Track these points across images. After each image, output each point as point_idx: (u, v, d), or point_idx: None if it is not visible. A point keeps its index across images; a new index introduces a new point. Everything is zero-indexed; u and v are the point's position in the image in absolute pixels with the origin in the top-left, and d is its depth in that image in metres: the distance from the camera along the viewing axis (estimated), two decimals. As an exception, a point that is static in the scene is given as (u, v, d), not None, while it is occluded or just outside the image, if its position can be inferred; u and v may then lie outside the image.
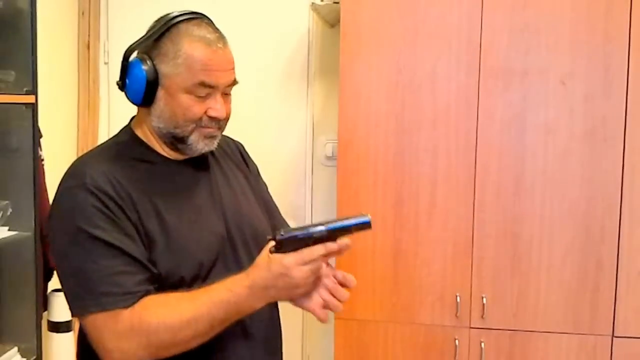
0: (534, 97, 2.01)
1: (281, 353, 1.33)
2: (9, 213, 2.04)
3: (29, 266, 2.09)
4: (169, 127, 1.15)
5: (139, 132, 1.21)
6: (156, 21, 1.19)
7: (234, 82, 1.20)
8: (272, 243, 1.07)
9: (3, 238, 2.01)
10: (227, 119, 1.21)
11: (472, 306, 2.06)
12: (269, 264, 1.05)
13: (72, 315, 1.13)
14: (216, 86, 1.15)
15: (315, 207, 2.63)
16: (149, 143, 1.20)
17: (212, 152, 1.25)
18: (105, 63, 2.75)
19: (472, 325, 2.07)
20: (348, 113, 2.09)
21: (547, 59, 1.99)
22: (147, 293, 1.08)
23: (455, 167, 2.05)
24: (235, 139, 1.43)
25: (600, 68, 1.97)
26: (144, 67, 1.12)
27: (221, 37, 1.18)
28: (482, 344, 2.05)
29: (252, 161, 1.43)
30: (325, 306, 1.12)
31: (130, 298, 1.06)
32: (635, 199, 1.97)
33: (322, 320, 1.13)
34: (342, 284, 1.14)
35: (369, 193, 2.10)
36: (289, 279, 1.04)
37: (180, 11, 1.18)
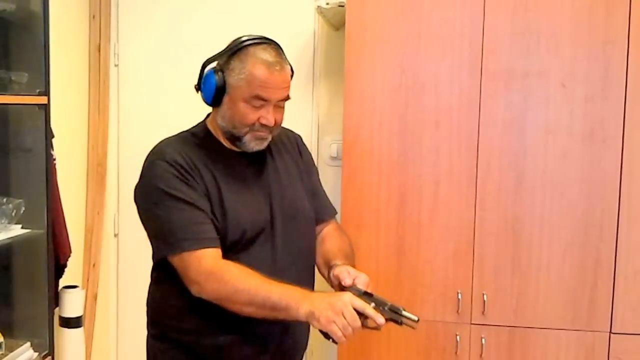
0: (534, 99, 2.03)
1: None
2: (22, 211, 2.06)
3: (41, 263, 2.12)
4: (229, 127, 1.42)
5: (210, 126, 1.49)
6: (233, 41, 1.43)
7: (287, 98, 1.44)
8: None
9: (16, 236, 2.05)
10: (277, 125, 1.44)
11: (473, 303, 2.09)
12: (336, 299, 1.28)
13: (160, 257, 1.40)
14: (269, 100, 1.38)
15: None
16: (216, 136, 1.47)
17: (269, 146, 1.48)
18: (115, 65, 2.79)
19: (473, 322, 2.09)
20: (353, 114, 2.12)
21: (547, 61, 2.02)
22: (217, 241, 1.36)
23: (458, 166, 2.08)
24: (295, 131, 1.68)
25: (599, 70, 2.00)
26: (216, 77, 1.39)
27: (281, 61, 1.41)
28: (483, 340, 2.08)
29: (307, 151, 1.67)
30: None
31: (207, 242, 1.34)
32: (633, 198, 2.00)
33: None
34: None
35: (373, 192, 2.13)
36: (336, 299, 1.26)
37: (252, 36, 1.43)
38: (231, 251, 1.39)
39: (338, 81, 2.46)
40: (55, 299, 2.27)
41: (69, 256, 2.33)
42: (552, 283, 2.05)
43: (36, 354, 2.11)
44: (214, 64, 1.43)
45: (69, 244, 2.32)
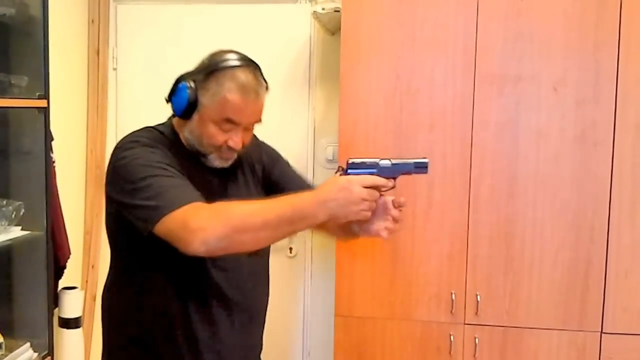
0: (527, 102, 2.06)
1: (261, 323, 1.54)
2: (21, 213, 2.08)
3: (41, 264, 2.14)
4: (195, 143, 1.37)
5: (177, 129, 1.42)
6: (211, 55, 1.39)
7: (258, 121, 1.40)
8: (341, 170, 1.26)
9: (16, 237, 2.06)
10: (244, 147, 1.40)
11: (467, 303, 2.11)
12: (335, 180, 1.21)
13: (151, 228, 1.24)
14: (239, 124, 1.35)
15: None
16: (183, 141, 1.41)
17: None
18: (114, 69, 2.81)
19: (466, 322, 2.12)
20: (348, 117, 2.15)
21: (539, 66, 2.05)
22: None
23: (451, 169, 2.10)
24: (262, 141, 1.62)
25: (590, 75, 2.03)
26: (189, 92, 1.34)
27: (257, 89, 1.36)
28: (476, 340, 2.11)
29: (268, 148, 1.61)
30: (389, 228, 1.31)
31: (199, 197, 1.24)
32: (624, 200, 2.03)
33: (384, 238, 1.32)
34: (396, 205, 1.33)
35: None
36: (348, 193, 1.18)
37: (232, 56, 1.37)
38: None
39: (334, 85, 2.48)
40: (54, 300, 2.29)
41: (68, 257, 2.35)
42: (544, 284, 2.07)
43: (36, 354, 2.12)
44: (189, 78, 1.38)
45: (68, 245, 2.34)
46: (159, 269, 1.35)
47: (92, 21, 2.72)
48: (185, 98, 1.34)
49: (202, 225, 1.18)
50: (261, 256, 1.51)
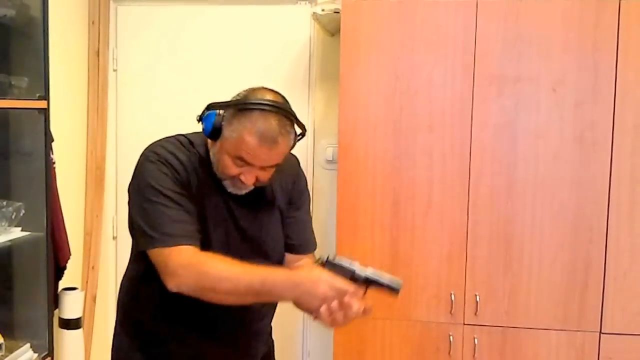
0: (525, 103, 2.07)
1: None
2: (22, 214, 2.08)
3: (41, 265, 2.14)
4: (214, 165, 1.40)
5: (209, 145, 1.43)
6: (249, 90, 1.39)
7: (274, 165, 1.39)
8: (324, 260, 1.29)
9: (16, 238, 2.06)
10: (262, 182, 1.40)
11: (466, 304, 2.12)
12: (311, 270, 1.27)
13: (140, 249, 1.38)
14: (252, 164, 1.35)
15: (316, 209, 2.68)
16: (210, 156, 1.42)
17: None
18: (114, 70, 2.81)
19: (465, 322, 2.13)
20: (348, 118, 2.15)
21: (538, 67, 2.06)
22: (199, 240, 1.34)
23: (450, 170, 2.11)
24: (294, 155, 1.59)
25: (589, 76, 2.04)
26: (215, 119, 1.36)
27: (277, 137, 1.33)
28: (476, 340, 2.11)
29: (303, 179, 1.62)
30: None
31: (189, 240, 1.32)
32: (623, 201, 2.04)
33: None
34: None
35: (368, 195, 2.16)
36: (315, 288, 1.22)
37: (267, 99, 1.35)
38: None
39: (333, 86, 2.49)
40: (55, 301, 2.30)
41: (69, 258, 2.35)
42: (543, 284, 2.08)
43: (36, 355, 2.12)
44: (221, 107, 1.38)
45: (69, 246, 2.35)
46: None
47: (93, 22, 2.72)
48: (211, 123, 1.37)
49: (178, 273, 1.29)
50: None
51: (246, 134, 1.31)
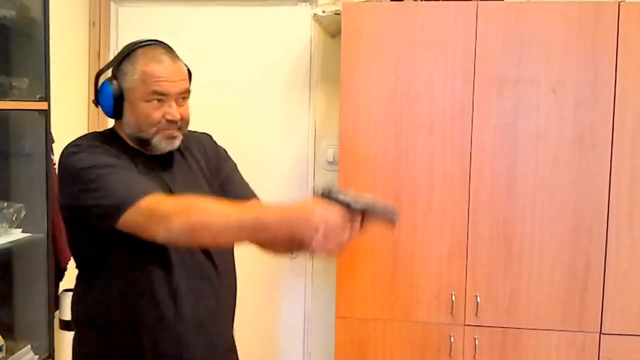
0: (525, 105, 2.08)
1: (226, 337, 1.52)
2: (22, 215, 2.07)
3: (42, 267, 2.14)
4: (136, 131, 1.39)
5: (116, 129, 1.45)
6: (122, 49, 1.42)
7: (187, 91, 1.42)
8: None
9: (17, 240, 2.06)
10: (185, 121, 1.43)
11: (467, 304, 2.12)
12: (304, 200, 1.20)
13: (114, 223, 1.27)
14: (168, 94, 1.37)
15: (316, 209, 2.68)
16: (123, 138, 1.44)
17: (179, 149, 1.46)
18: (114, 71, 2.82)
19: (466, 323, 2.13)
20: (348, 119, 2.16)
21: (538, 68, 2.06)
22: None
23: (451, 171, 2.11)
24: (205, 132, 1.63)
25: (589, 77, 2.04)
26: (111, 86, 1.38)
27: (172, 56, 1.41)
28: (476, 341, 2.12)
29: (215, 147, 1.60)
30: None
31: (157, 189, 1.29)
32: (622, 201, 2.04)
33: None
34: None
35: (368, 196, 2.16)
36: (309, 218, 1.15)
37: (140, 40, 1.41)
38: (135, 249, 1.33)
39: (334, 87, 2.49)
40: (55, 302, 2.28)
41: (69, 260, 2.34)
42: (543, 285, 2.08)
43: (36, 356, 2.12)
44: (107, 74, 1.41)
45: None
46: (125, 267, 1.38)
47: (93, 23, 2.73)
48: (110, 93, 1.37)
49: (168, 214, 1.22)
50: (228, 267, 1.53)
51: (146, 66, 1.35)
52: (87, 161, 1.32)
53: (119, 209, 1.25)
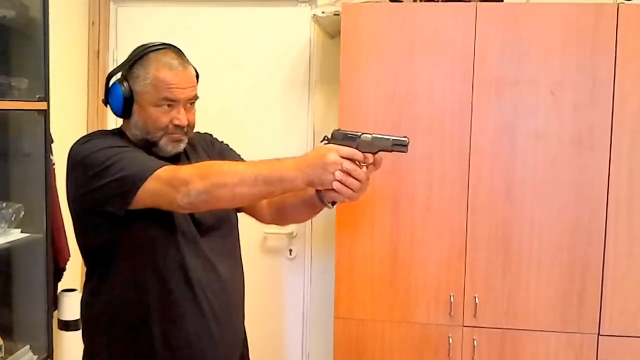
0: (524, 106, 2.08)
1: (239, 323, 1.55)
2: (21, 215, 2.08)
3: (40, 267, 2.14)
4: (143, 134, 1.42)
5: (124, 130, 1.49)
6: (133, 51, 1.45)
7: (195, 97, 1.46)
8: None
9: (16, 240, 2.06)
10: (191, 126, 1.47)
11: (465, 306, 2.12)
12: (316, 148, 1.28)
13: (132, 197, 1.30)
14: (177, 100, 1.41)
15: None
16: (131, 138, 1.46)
17: (184, 151, 1.50)
18: (114, 71, 2.83)
19: (465, 324, 2.13)
20: (348, 120, 2.15)
21: (537, 70, 2.06)
22: None
23: (450, 172, 2.11)
24: (204, 132, 1.68)
25: (588, 79, 2.05)
26: (122, 88, 1.41)
27: (183, 62, 1.43)
28: (475, 342, 2.12)
29: (219, 142, 1.67)
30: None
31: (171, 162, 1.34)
32: (621, 203, 2.05)
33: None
34: None
35: (368, 197, 2.13)
36: (324, 159, 1.21)
37: (152, 43, 1.44)
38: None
39: (333, 88, 2.49)
40: (54, 302, 2.29)
41: (68, 260, 2.34)
42: (541, 286, 2.09)
43: (35, 356, 2.12)
44: (117, 76, 1.44)
45: (68, 247, 2.34)
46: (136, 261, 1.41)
47: (92, 23, 2.73)
48: (120, 95, 1.40)
49: (186, 179, 1.26)
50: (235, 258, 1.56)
51: (157, 72, 1.38)
52: (100, 144, 1.36)
53: (139, 178, 1.29)
